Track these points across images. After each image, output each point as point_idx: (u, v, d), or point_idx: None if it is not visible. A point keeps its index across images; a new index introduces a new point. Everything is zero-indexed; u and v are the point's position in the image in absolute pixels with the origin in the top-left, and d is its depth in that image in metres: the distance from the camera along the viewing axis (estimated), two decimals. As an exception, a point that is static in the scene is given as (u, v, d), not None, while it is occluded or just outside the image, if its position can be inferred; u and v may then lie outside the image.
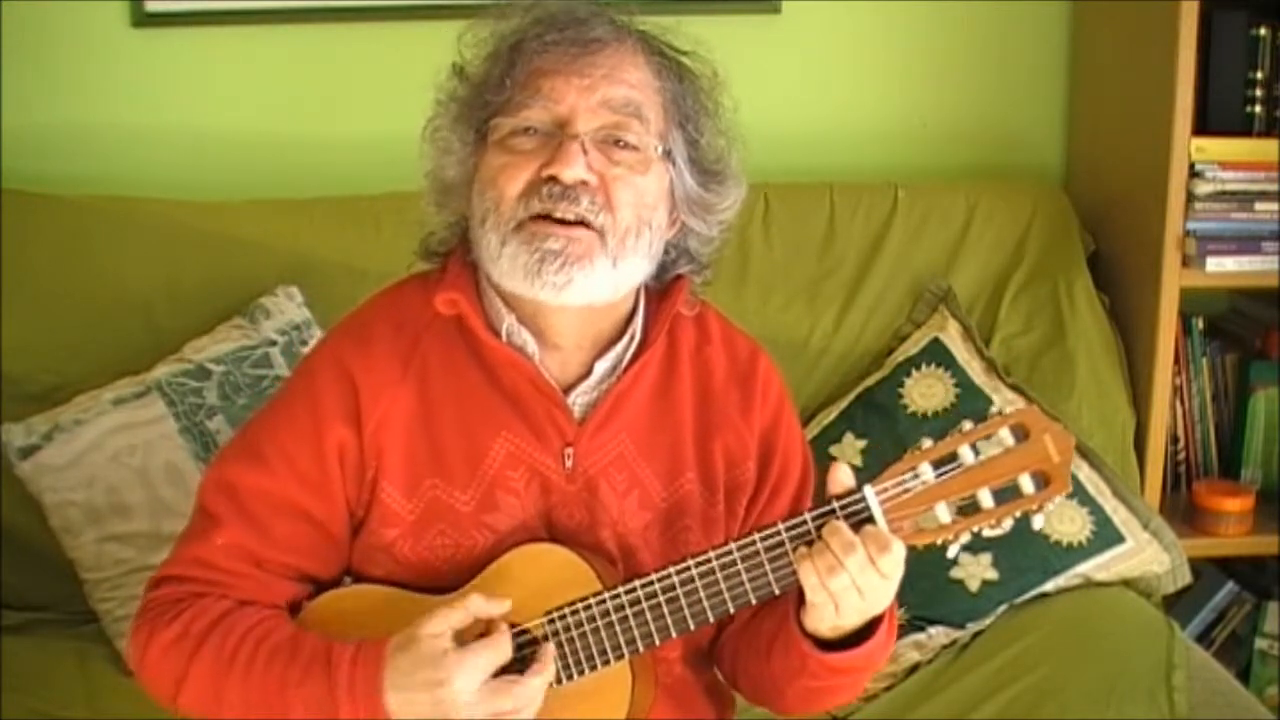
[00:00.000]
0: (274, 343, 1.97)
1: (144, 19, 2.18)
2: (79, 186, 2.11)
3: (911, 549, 1.16)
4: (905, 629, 1.87)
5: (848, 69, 2.36)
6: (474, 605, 1.21)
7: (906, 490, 1.17)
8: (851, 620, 1.21)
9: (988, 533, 1.17)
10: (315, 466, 1.28)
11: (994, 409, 1.99)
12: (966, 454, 1.16)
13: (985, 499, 1.16)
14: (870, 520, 1.17)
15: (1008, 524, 1.17)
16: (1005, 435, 1.16)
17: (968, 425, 1.17)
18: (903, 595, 1.84)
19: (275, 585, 1.30)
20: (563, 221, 1.22)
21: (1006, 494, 1.16)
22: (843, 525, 1.17)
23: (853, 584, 1.16)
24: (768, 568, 1.20)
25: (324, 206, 2.12)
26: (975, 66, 2.38)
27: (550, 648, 1.23)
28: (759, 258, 2.17)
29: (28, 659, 1.82)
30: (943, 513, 1.16)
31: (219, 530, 1.28)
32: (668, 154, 1.28)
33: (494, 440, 1.29)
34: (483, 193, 1.26)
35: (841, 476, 1.20)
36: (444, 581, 1.29)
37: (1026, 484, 1.15)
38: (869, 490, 1.18)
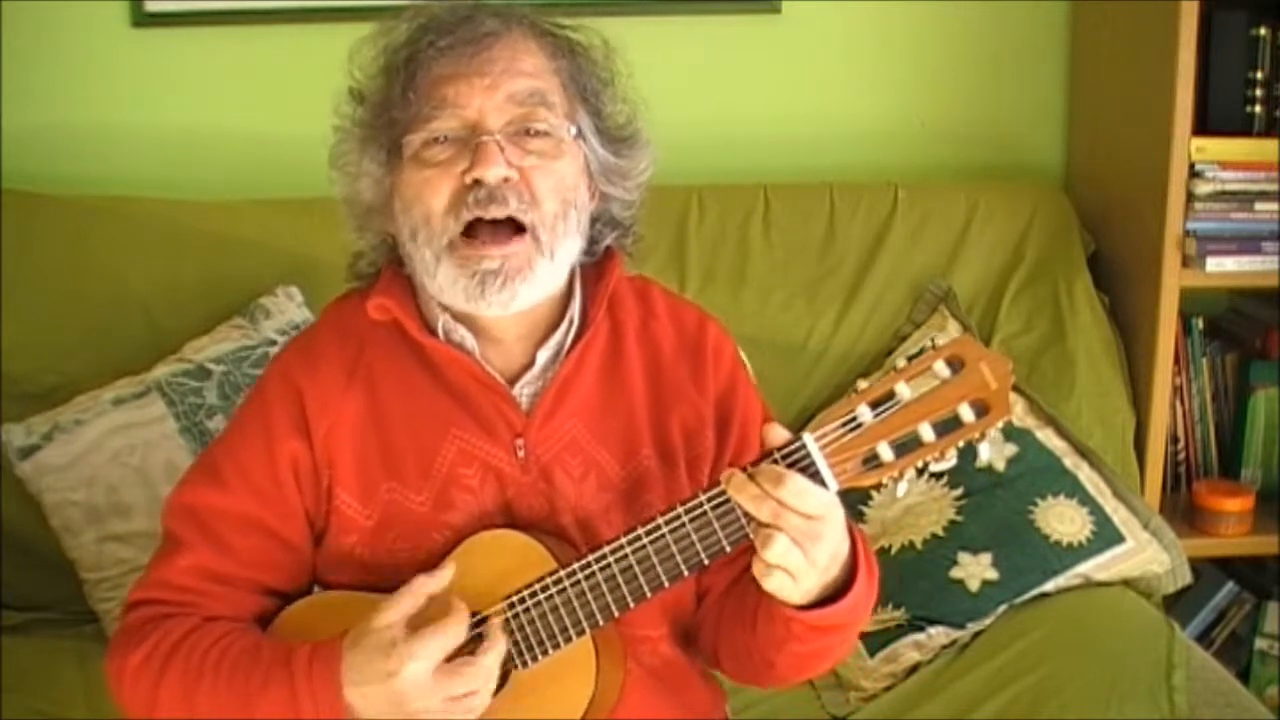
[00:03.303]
0: (274, 343, 1.96)
1: (144, 19, 2.18)
2: (79, 186, 2.11)
3: (862, 501, 1.12)
4: (905, 629, 1.87)
5: (847, 69, 2.36)
6: (418, 585, 1.21)
7: (846, 433, 1.15)
8: (810, 580, 1.18)
9: (935, 467, 1.15)
10: (270, 481, 1.29)
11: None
12: (903, 391, 1.14)
13: (926, 433, 1.14)
14: (812, 467, 1.15)
15: (952, 455, 1.15)
16: (941, 368, 1.14)
17: (902, 363, 1.16)
18: (903, 595, 1.88)
19: (242, 601, 1.31)
20: (494, 224, 1.23)
21: (947, 425, 1.14)
22: (741, 476, 1.15)
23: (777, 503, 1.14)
24: (716, 525, 1.19)
25: (324, 206, 2.09)
26: (975, 66, 2.38)
27: (498, 623, 1.22)
28: (759, 258, 2.17)
29: (28, 659, 1.82)
30: (885, 451, 1.14)
31: (183, 552, 1.29)
32: (578, 133, 1.28)
33: (444, 439, 1.30)
34: (408, 210, 1.26)
35: (775, 429, 1.18)
36: (406, 582, 1.30)
37: (966, 413, 1.13)
38: (807, 437, 1.15)
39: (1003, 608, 1.89)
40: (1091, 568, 1.93)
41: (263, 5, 2.20)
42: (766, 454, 1.17)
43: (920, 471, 1.16)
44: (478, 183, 1.22)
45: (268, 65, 2.23)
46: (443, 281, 1.25)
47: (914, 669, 1.86)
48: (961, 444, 1.14)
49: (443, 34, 1.25)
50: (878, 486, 1.17)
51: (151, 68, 2.21)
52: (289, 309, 2.00)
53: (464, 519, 1.30)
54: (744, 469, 1.17)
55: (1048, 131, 2.42)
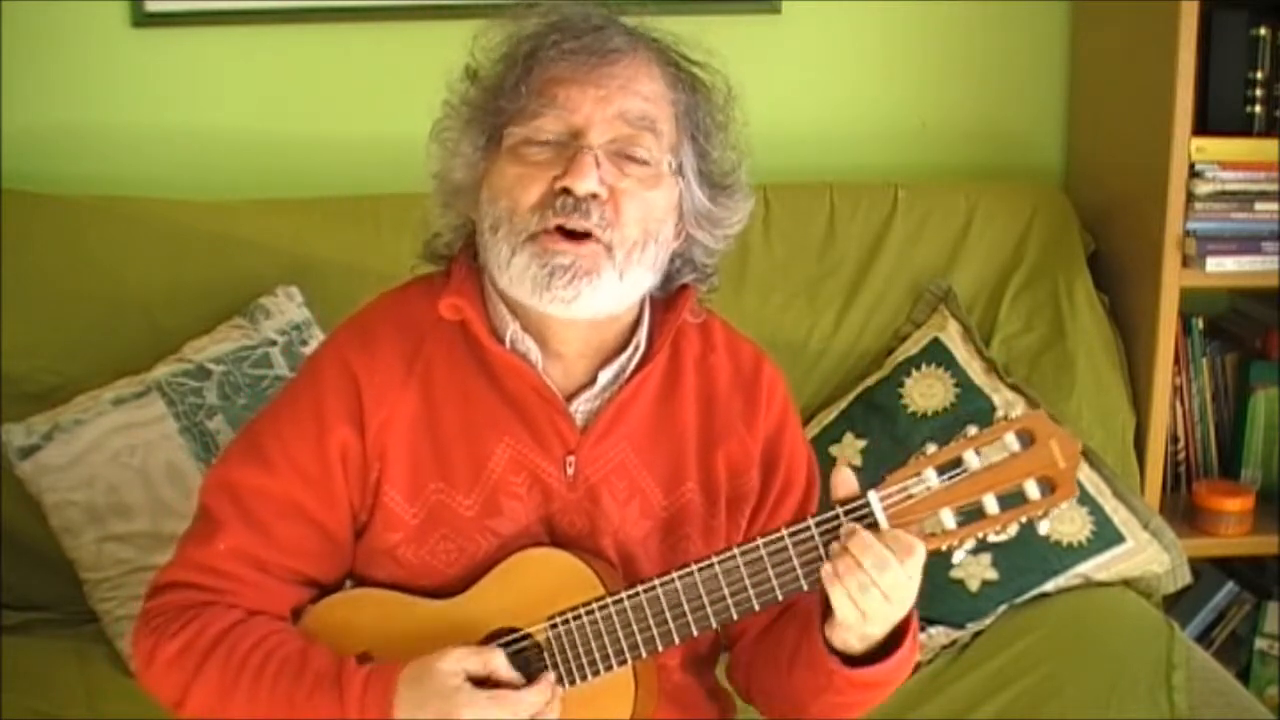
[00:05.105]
0: (274, 343, 1.97)
1: (144, 19, 2.18)
2: (79, 186, 2.11)
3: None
4: (905, 629, 1.87)
5: (848, 69, 2.36)
6: (494, 664, 1.21)
7: (910, 496, 1.15)
8: (879, 628, 1.19)
9: (993, 538, 1.16)
10: (318, 467, 1.28)
11: (996, 410, 1.99)
12: (971, 459, 1.14)
13: (990, 505, 1.14)
14: (875, 526, 1.16)
15: (1013, 530, 1.15)
16: (1011, 440, 1.14)
17: (973, 430, 1.15)
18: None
19: (278, 590, 1.29)
20: (572, 235, 1.22)
21: (1012, 499, 1.14)
22: (861, 528, 1.15)
23: (876, 588, 1.15)
24: (771, 574, 1.19)
25: (324, 206, 2.12)
26: (975, 66, 2.38)
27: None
28: (759, 258, 2.17)
29: (28, 659, 1.82)
30: (947, 518, 1.15)
31: (221, 533, 1.27)
32: (678, 168, 1.27)
33: (497, 445, 1.29)
34: (494, 200, 1.25)
35: (844, 480, 1.19)
36: (447, 585, 1.29)
37: (1032, 490, 1.14)
38: (873, 495, 1.16)
39: (1003, 608, 1.89)
40: (1091, 568, 1.93)
41: (263, 5, 2.20)
42: (829, 506, 1.18)
43: (980, 542, 1.16)
44: (566, 191, 1.21)
45: (268, 65, 2.23)
46: (514, 273, 1.23)
47: (914, 669, 1.85)
48: (1024, 520, 1.14)
49: (570, 37, 1.23)
50: (935, 552, 1.17)
51: (151, 68, 2.21)
52: (289, 309, 2.00)
53: (509, 526, 1.29)
54: (810, 530, 1.18)
55: (1048, 131, 2.42)
